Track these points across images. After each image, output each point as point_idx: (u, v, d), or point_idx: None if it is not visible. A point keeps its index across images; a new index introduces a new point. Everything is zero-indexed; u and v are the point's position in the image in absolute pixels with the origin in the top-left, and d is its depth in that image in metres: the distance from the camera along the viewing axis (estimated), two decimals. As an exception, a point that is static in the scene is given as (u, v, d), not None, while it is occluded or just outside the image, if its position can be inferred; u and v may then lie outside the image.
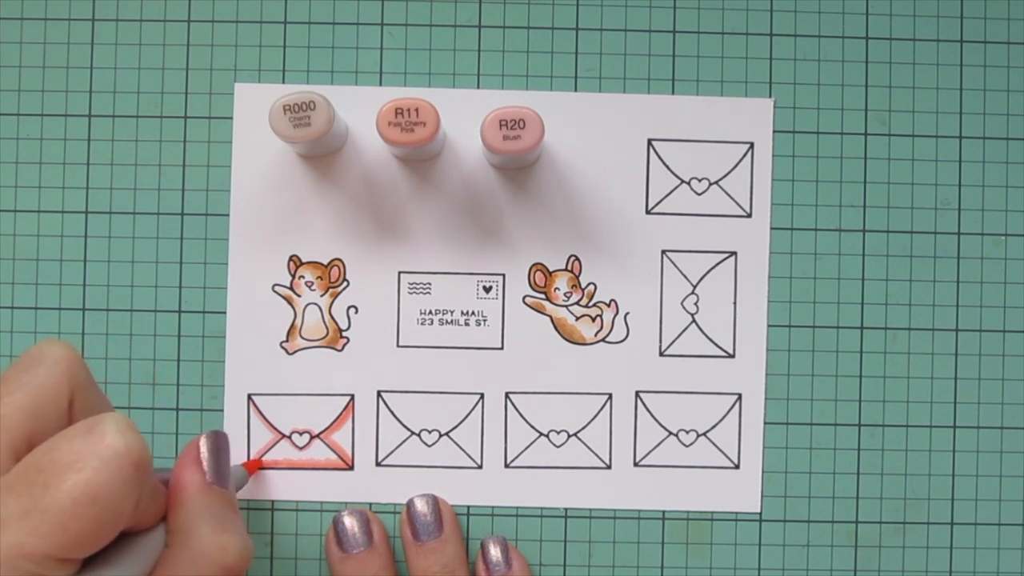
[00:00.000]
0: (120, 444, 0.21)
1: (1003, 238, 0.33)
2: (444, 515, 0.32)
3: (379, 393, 0.33)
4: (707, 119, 0.33)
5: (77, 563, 0.22)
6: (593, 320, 0.33)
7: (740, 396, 0.33)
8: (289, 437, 0.33)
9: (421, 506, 0.32)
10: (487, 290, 0.33)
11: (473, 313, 0.33)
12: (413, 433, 0.33)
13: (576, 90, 0.33)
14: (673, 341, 0.33)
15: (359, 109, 0.33)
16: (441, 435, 0.33)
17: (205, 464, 0.27)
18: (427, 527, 0.32)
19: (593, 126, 0.33)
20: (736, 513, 0.33)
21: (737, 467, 0.33)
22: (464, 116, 0.33)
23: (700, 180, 0.33)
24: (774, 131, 0.33)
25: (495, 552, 0.32)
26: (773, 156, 0.33)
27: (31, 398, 0.23)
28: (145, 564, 0.24)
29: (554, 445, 0.33)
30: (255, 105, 0.33)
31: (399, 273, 0.33)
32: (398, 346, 0.33)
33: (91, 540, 0.21)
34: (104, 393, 0.26)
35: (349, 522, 0.32)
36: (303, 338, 0.33)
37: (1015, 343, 0.33)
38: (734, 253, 0.33)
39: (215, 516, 0.25)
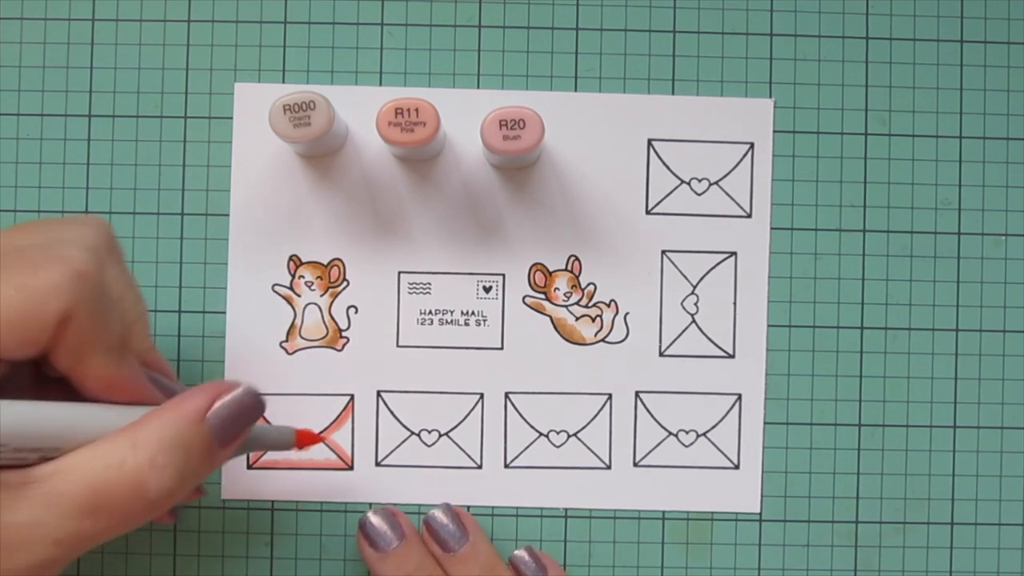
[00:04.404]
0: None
1: (1003, 238, 0.33)
2: (464, 519, 0.31)
3: (379, 393, 0.33)
4: (707, 119, 0.33)
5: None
6: (593, 320, 0.33)
7: (740, 396, 0.33)
8: (289, 437, 0.33)
9: (440, 516, 0.31)
10: (487, 290, 0.33)
11: (473, 313, 0.33)
12: (413, 433, 0.33)
13: (576, 90, 0.33)
14: (673, 341, 0.33)
15: (359, 109, 0.33)
16: (441, 435, 0.33)
17: (218, 402, 0.24)
18: (453, 535, 0.31)
19: (593, 126, 0.33)
20: (736, 513, 0.33)
21: (737, 467, 0.33)
22: (464, 116, 0.33)
23: (700, 180, 0.33)
24: (774, 131, 0.33)
25: (526, 559, 0.31)
26: (773, 156, 0.33)
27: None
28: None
29: (554, 445, 0.33)
30: (255, 105, 0.33)
31: (399, 273, 0.33)
32: (398, 346, 0.33)
33: None
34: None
35: (377, 521, 0.31)
36: (303, 338, 0.33)
37: (1015, 343, 0.33)
38: (734, 253, 0.33)
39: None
